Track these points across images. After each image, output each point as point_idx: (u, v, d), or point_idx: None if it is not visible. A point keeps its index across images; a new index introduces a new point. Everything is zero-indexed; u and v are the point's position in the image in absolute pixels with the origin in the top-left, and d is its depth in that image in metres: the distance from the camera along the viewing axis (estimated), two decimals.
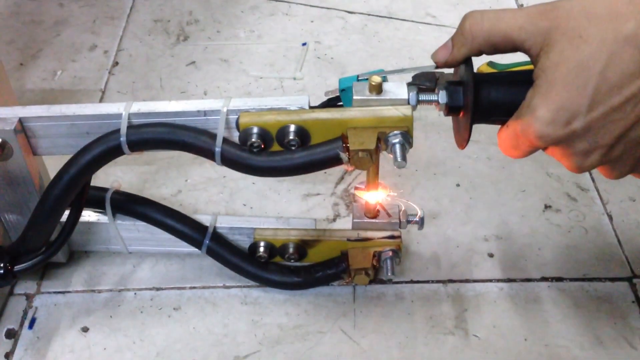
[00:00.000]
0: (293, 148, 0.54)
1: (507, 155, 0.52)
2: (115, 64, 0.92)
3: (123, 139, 0.54)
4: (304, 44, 0.95)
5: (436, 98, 0.52)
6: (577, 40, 0.43)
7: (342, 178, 0.76)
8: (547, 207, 0.72)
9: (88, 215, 0.65)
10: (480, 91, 0.49)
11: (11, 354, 0.61)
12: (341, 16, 0.99)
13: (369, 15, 0.99)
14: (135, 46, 0.95)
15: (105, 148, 0.55)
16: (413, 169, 0.76)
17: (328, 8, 1.01)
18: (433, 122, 0.81)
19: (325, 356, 0.60)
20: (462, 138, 0.52)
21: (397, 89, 0.53)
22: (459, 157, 0.77)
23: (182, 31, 0.98)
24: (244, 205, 0.73)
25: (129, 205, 0.63)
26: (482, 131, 0.80)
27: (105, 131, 0.56)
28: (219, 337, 0.61)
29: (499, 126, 0.52)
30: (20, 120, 0.56)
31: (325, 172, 0.76)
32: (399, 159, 0.51)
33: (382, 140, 0.53)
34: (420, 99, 0.52)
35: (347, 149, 0.53)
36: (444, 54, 0.50)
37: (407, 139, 0.52)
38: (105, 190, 0.63)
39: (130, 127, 0.55)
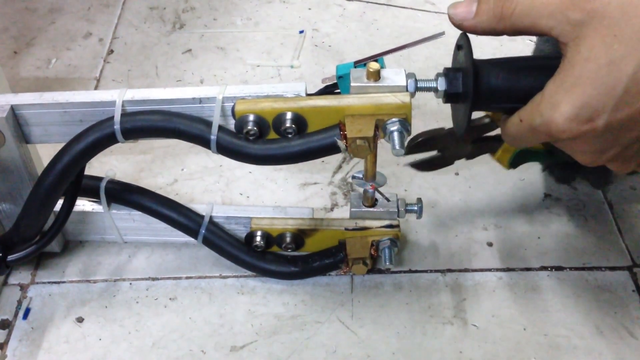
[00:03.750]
0: (290, 136, 0.53)
1: (512, 146, 0.51)
2: (111, 52, 0.91)
3: (117, 126, 0.53)
4: (301, 32, 0.94)
5: (435, 85, 0.51)
6: (611, 39, 0.41)
7: (339, 167, 0.75)
8: (546, 195, 0.71)
9: (83, 205, 0.64)
10: (480, 78, 0.49)
11: (5, 345, 0.60)
12: (339, 3, 0.98)
13: (367, 2, 0.98)
14: (131, 34, 0.94)
15: (99, 136, 0.54)
16: (412, 158, 0.75)
17: None
18: (432, 110, 0.80)
19: (323, 346, 0.59)
20: (461, 125, 0.51)
21: (395, 75, 0.52)
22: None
23: (178, 19, 0.97)
24: (241, 194, 0.72)
25: (125, 194, 0.63)
26: None
27: (98, 119, 0.55)
28: (216, 327, 0.61)
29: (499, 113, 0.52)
30: (13, 108, 0.55)
31: (322, 161, 0.75)
32: (397, 147, 0.50)
33: (380, 128, 0.52)
34: (418, 86, 0.52)
35: (344, 137, 0.52)
36: (465, 14, 0.47)
37: (406, 127, 0.51)
38: (100, 179, 0.63)
39: (124, 114, 0.54)
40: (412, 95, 0.52)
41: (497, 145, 0.61)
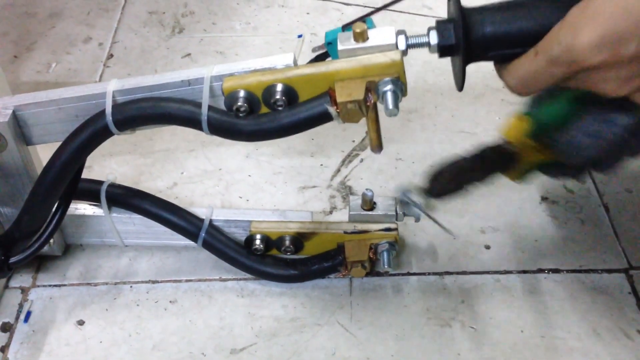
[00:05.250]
0: (280, 109, 0.51)
1: (517, 92, 0.48)
2: (110, 56, 0.92)
3: (109, 118, 0.53)
4: (300, 36, 0.94)
5: (427, 40, 0.49)
6: None
7: (338, 170, 0.76)
8: (543, 198, 0.72)
9: (84, 209, 0.64)
10: (471, 25, 0.46)
11: (7, 348, 0.60)
12: (337, 8, 0.99)
13: (365, 6, 0.99)
14: (130, 38, 0.95)
15: (93, 130, 0.54)
16: (410, 162, 0.76)
17: (324, 0, 1.00)
18: (429, 114, 0.81)
19: (322, 349, 0.60)
20: (458, 79, 0.49)
21: (384, 34, 0.49)
22: (455, 149, 0.76)
23: (178, 23, 0.97)
24: (240, 197, 0.73)
25: (125, 198, 0.63)
26: (479, 123, 0.80)
27: (93, 112, 0.54)
28: (216, 330, 0.61)
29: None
30: (14, 111, 0.55)
31: (321, 165, 0.76)
32: (390, 107, 0.48)
33: (373, 91, 0.49)
34: (410, 42, 0.49)
35: (335, 103, 0.50)
36: None
37: (399, 86, 0.49)
38: (100, 183, 0.63)
39: (115, 106, 0.53)
40: (404, 53, 0.49)
41: (508, 163, 0.57)
